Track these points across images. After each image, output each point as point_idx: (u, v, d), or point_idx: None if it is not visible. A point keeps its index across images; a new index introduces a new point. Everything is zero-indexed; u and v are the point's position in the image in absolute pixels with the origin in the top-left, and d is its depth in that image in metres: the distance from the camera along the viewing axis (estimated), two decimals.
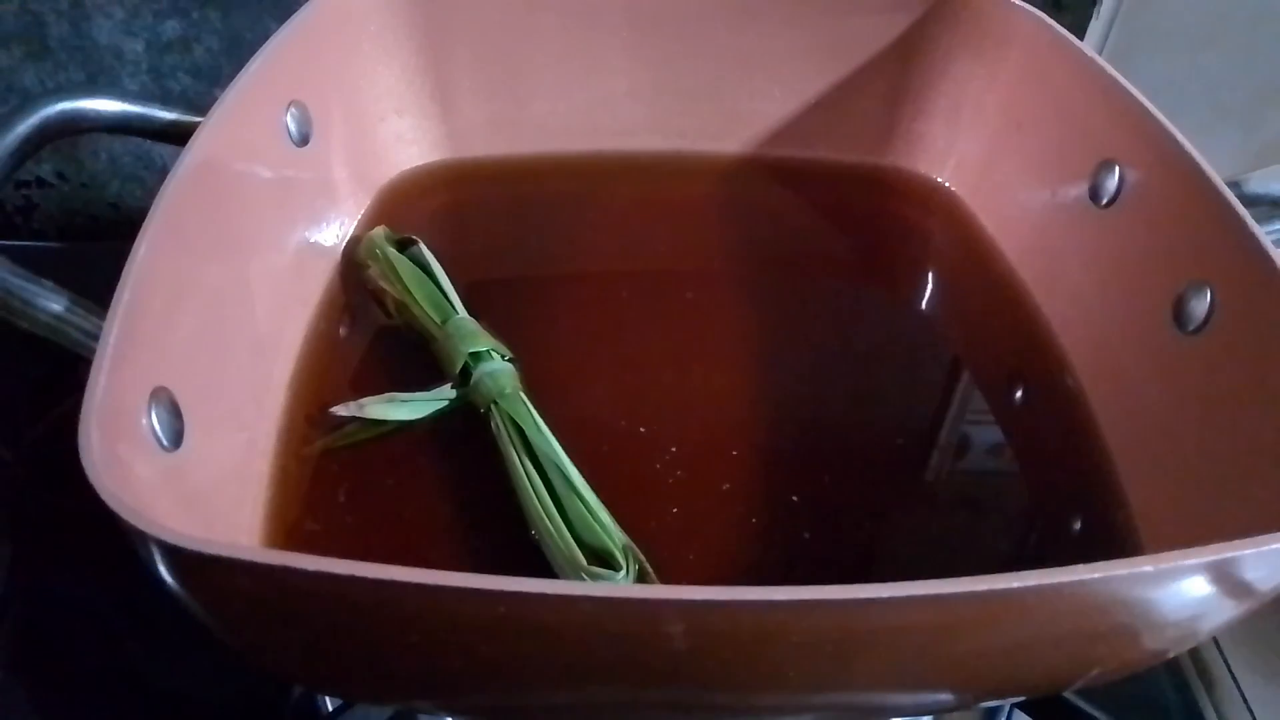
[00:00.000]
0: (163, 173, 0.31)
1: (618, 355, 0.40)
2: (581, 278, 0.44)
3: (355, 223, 0.44)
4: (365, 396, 0.35)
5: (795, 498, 0.34)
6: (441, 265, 0.40)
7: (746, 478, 0.34)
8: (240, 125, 0.35)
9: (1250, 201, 0.32)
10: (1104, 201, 0.38)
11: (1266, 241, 0.31)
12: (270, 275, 0.37)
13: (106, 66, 0.55)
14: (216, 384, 0.31)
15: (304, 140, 0.40)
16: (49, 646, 0.39)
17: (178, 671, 0.39)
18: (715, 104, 0.48)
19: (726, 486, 0.34)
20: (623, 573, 0.29)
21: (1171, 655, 0.28)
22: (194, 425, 0.28)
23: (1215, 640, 0.45)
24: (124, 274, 0.27)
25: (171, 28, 0.54)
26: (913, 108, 0.48)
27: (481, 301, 0.39)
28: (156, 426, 0.27)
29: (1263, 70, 0.54)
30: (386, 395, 0.35)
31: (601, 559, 0.30)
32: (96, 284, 0.28)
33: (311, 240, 0.41)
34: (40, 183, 0.60)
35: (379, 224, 0.42)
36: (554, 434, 0.34)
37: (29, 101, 0.34)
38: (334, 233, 0.43)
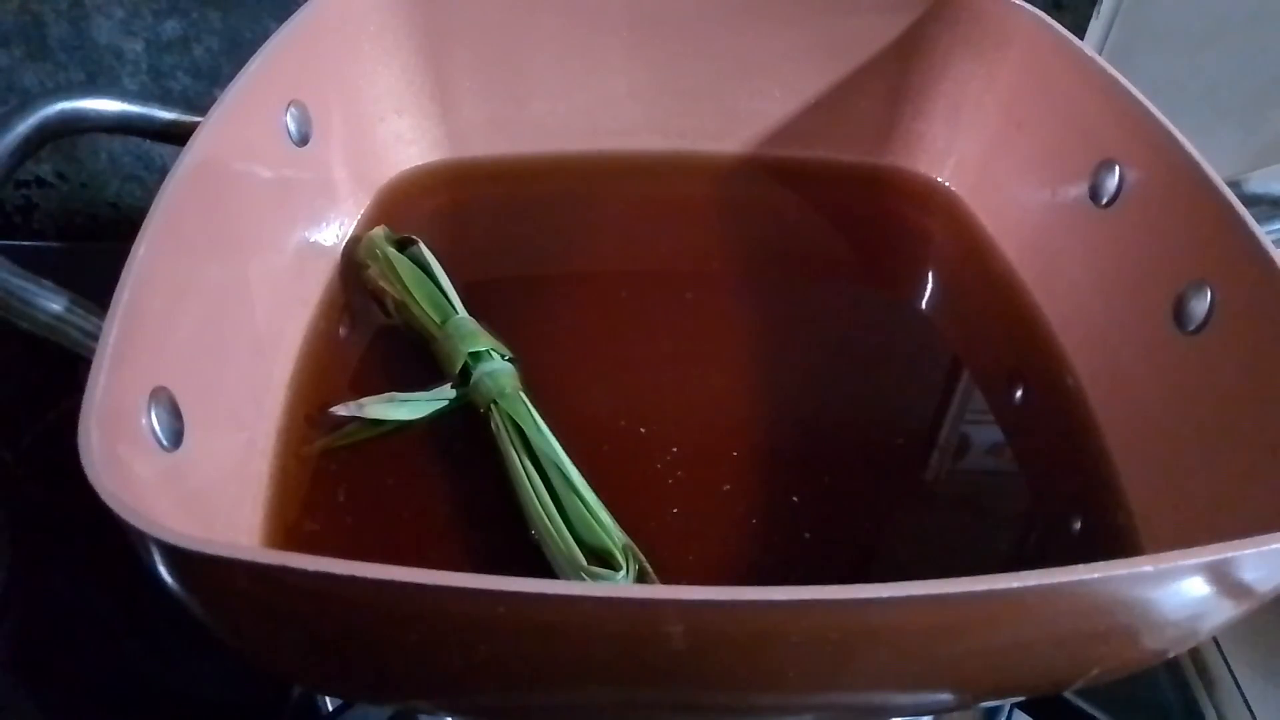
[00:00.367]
0: (163, 173, 0.31)
1: (617, 355, 0.40)
2: (581, 278, 0.44)
3: (355, 223, 0.44)
4: (365, 396, 0.35)
5: (795, 498, 0.34)
6: (441, 265, 0.40)
7: (746, 478, 0.34)
8: (240, 125, 0.35)
9: (1250, 201, 0.32)
10: (1104, 201, 0.38)
11: (1266, 241, 0.31)
12: (270, 275, 0.37)
13: (106, 66, 0.55)
14: (216, 384, 0.31)
15: (304, 140, 0.40)
16: (49, 646, 0.39)
17: (178, 671, 0.39)
18: (715, 104, 0.48)
19: (726, 487, 0.34)
20: (622, 573, 0.29)
21: (1171, 655, 0.28)
22: (194, 425, 0.28)
23: (1215, 640, 0.45)
24: (124, 274, 0.27)
25: (171, 28, 0.54)
26: (912, 107, 0.48)
27: (481, 301, 0.39)
28: (156, 426, 0.27)
29: (1263, 70, 0.54)
30: (386, 395, 0.35)
31: (601, 559, 0.30)
32: (96, 284, 0.28)
33: (311, 240, 0.41)
34: (40, 183, 0.60)
35: (379, 224, 0.42)
36: (554, 434, 0.34)
37: (29, 101, 0.34)
38: (334, 233, 0.43)
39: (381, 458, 0.35)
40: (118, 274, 0.27)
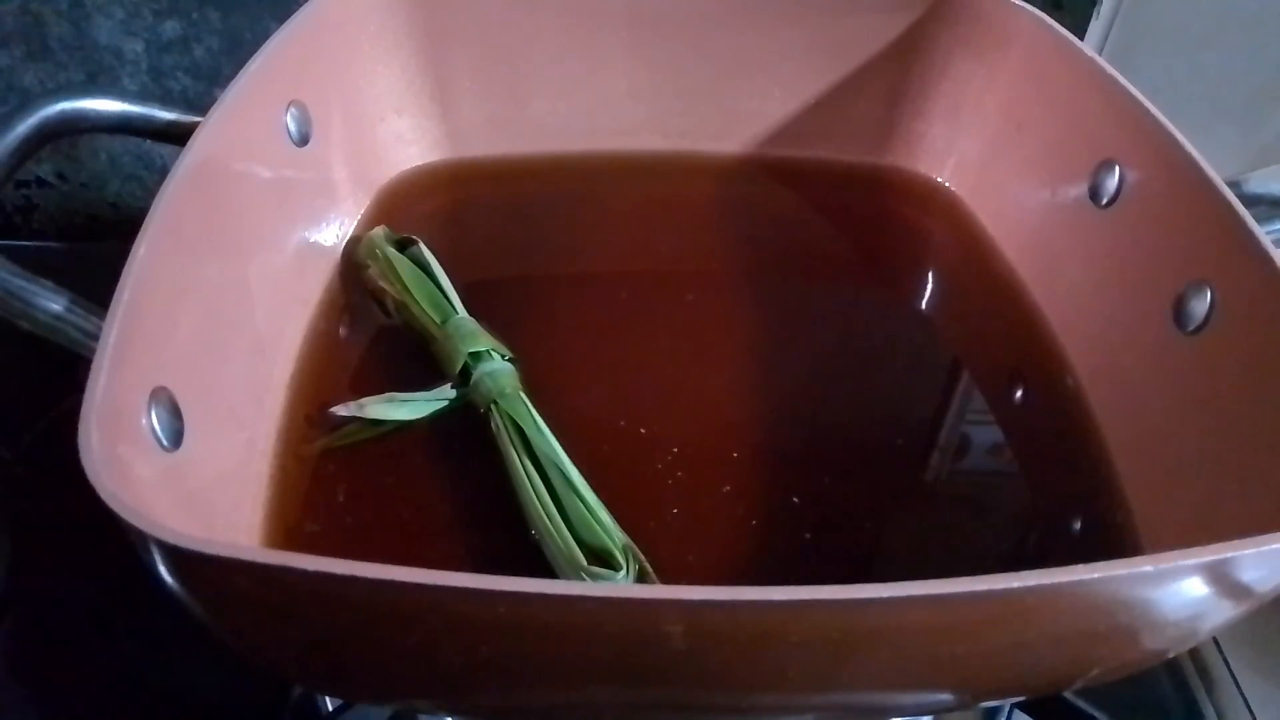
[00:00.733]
0: (163, 173, 0.31)
1: (617, 355, 0.40)
2: (581, 278, 0.44)
3: (355, 223, 0.44)
4: (365, 396, 0.35)
5: (795, 499, 0.34)
6: (441, 265, 0.40)
7: (746, 478, 0.34)
8: (240, 125, 0.35)
9: (1250, 201, 0.32)
10: (1104, 201, 0.38)
11: (1267, 241, 0.31)
12: (270, 275, 0.37)
13: (106, 66, 0.55)
14: (216, 384, 0.31)
15: (304, 140, 0.40)
16: (49, 646, 0.39)
17: (178, 671, 0.39)
18: (715, 104, 0.48)
19: (726, 488, 0.34)
20: (623, 573, 0.29)
21: (1172, 655, 0.28)
22: (194, 425, 0.28)
23: (1215, 640, 0.45)
24: (124, 274, 0.27)
25: (171, 28, 0.54)
26: (913, 108, 0.48)
27: (481, 301, 0.39)
28: (156, 426, 0.27)
29: (1263, 70, 0.54)
30: (386, 395, 0.35)
31: (601, 559, 0.30)
32: (96, 284, 0.28)
33: (311, 240, 0.41)
34: (40, 183, 0.60)
35: (379, 224, 0.42)
36: (554, 434, 0.34)
37: (29, 101, 0.34)
38: (334, 233, 0.42)
39: (381, 458, 0.35)
40: (118, 274, 0.27)
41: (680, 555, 0.32)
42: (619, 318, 0.41)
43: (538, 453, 0.33)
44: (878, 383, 0.40)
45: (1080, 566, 0.20)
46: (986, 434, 0.37)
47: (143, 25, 0.54)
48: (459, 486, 0.34)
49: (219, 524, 0.30)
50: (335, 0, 0.42)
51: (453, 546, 0.32)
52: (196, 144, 0.32)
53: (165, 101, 0.39)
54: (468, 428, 0.35)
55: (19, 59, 0.55)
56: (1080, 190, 0.39)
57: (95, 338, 0.26)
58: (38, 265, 0.31)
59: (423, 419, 0.35)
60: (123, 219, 0.61)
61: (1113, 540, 0.33)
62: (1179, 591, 0.22)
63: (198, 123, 0.33)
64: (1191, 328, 0.33)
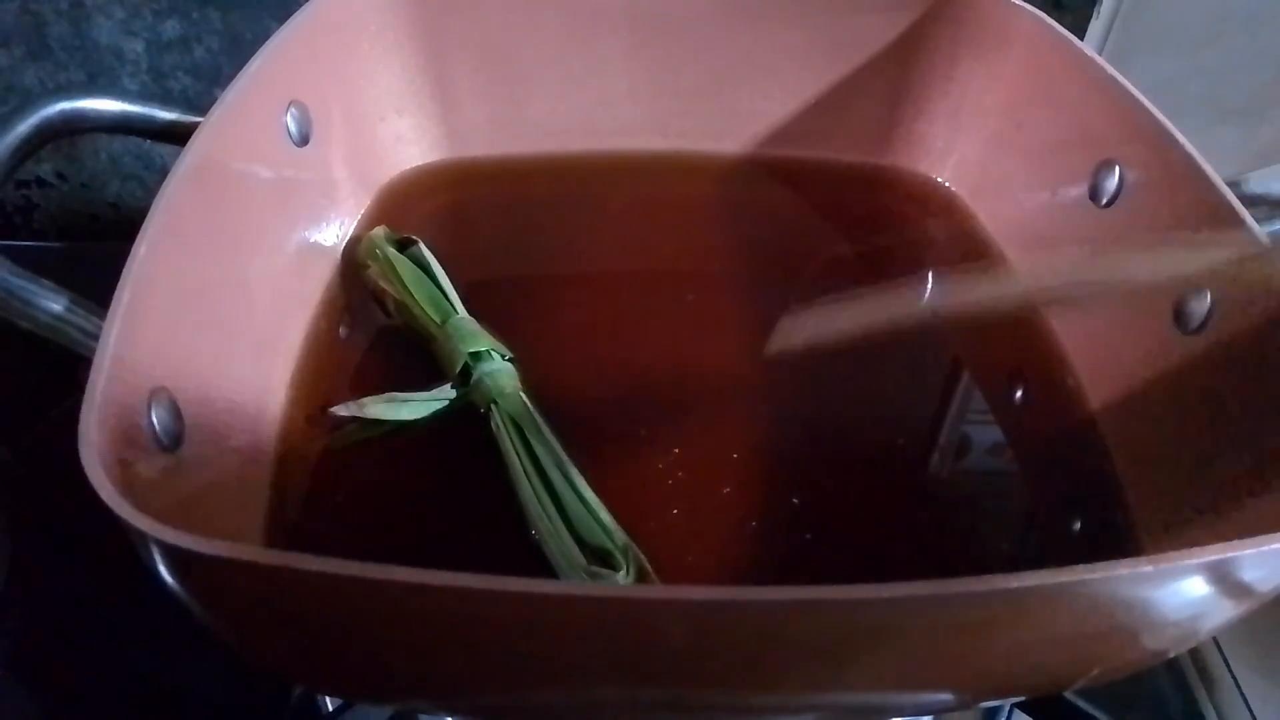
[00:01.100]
0: (163, 173, 0.31)
1: (617, 355, 0.40)
2: (581, 278, 0.44)
3: (355, 223, 0.44)
4: (365, 396, 0.35)
5: (795, 499, 0.34)
6: (441, 265, 0.40)
7: (746, 479, 0.34)
8: (240, 125, 0.35)
9: (1250, 201, 0.32)
10: (1104, 201, 0.38)
11: (1267, 241, 0.31)
12: (270, 275, 0.37)
13: (106, 66, 0.55)
14: (217, 384, 0.31)
15: (304, 140, 0.40)
16: (49, 646, 0.39)
17: (178, 671, 0.39)
18: (715, 104, 0.48)
19: (726, 488, 0.34)
20: (623, 573, 0.29)
21: (1172, 655, 0.28)
22: (194, 425, 0.28)
23: (1215, 640, 0.45)
24: (124, 274, 0.27)
25: (171, 28, 0.54)
26: (913, 108, 0.48)
27: (481, 301, 0.39)
28: (156, 426, 0.27)
29: (1263, 70, 0.54)
30: (386, 395, 0.35)
31: (602, 559, 0.30)
32: (96, 284, 0.28)
33: (311, 240, 0.41)
34: (40, 183, 0.60)
35: (379, 224, 0.42)
36: (553, 433, 0.34)
37: (29, 101, 0.34)
38: (334, 233, 0.42)
39: (381, 458, 0.35)
40: (118, 274, 0.27)
41: (680, 555, 0.32)
42: (619, 318, 0.41)
43: (538, 452, 0.33)
44: (878, 383, 0.40)
45: (1081, 567, 0.20)
46: (986, 434, 0.37)
47: (143, 25, 0.54)
48: (459, 486, 0.34)
49: (219, 524, 0.30)
50: (335, 0, 0.42)
51: (453, 546, 0.32)
52: (196, 144, 0.32)
53: (165, 101, 0.39)
54: (468, 428, 0.35)
55: (19, 59, 0.55)
56: (1080, 190, 0.39)
57: (95, 338, 0.26)
58: (38, 265, 0.31)
59: (423, 419, 0.35)
60: (123, 219, 0.61)
61: (1112, 540, 0.33)
62: (1179, 592, 0.22)
63: (198, 123, 0.33)
64: (1191, 328, 0.33)
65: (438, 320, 0.38)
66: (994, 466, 0.37)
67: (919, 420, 0.38)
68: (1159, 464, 0.33)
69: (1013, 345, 0.41)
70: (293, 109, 0.39)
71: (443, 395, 0.36)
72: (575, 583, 0.20)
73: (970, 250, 0.45)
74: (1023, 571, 0.20)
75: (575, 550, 0.30)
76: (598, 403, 0.37)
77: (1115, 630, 0.23)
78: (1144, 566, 0.21)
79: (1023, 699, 0.36)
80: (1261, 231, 0.31)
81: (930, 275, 0.45)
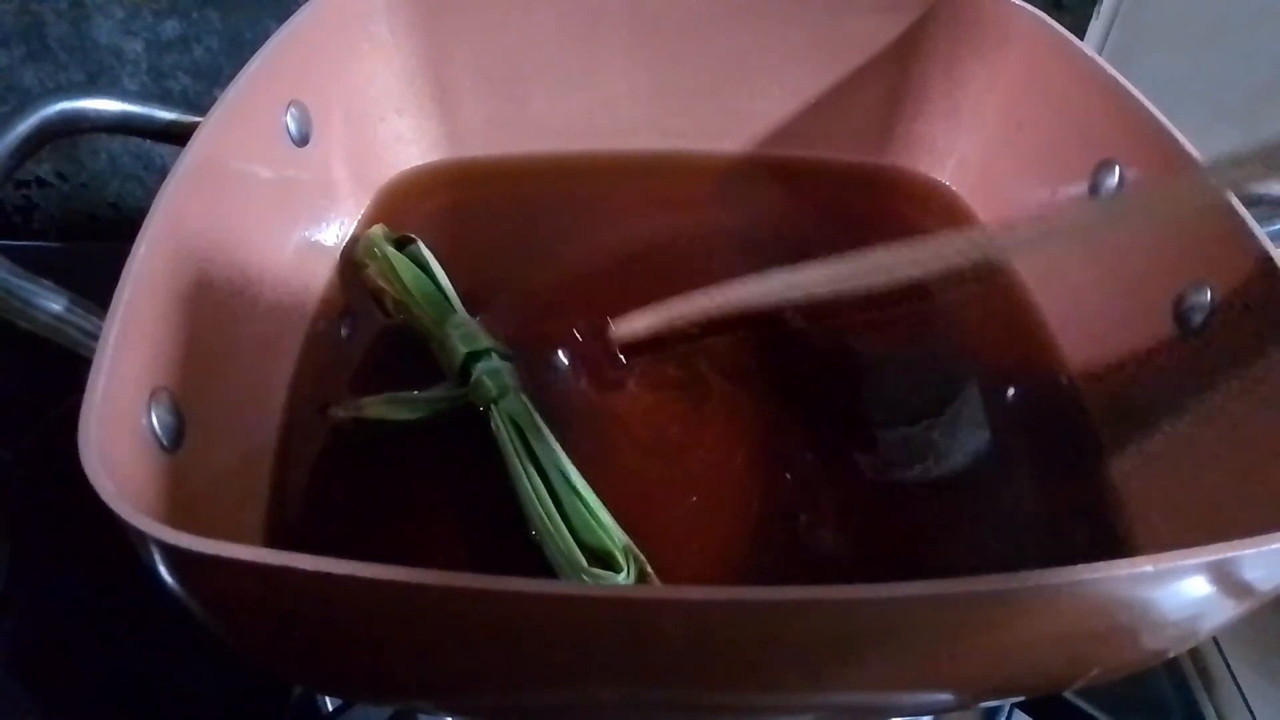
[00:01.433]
0: (163, 173, 0.31)
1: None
2: (581, 278, 0.44)
3: (355, 222, 0.44)
4: (365, 396, 0.35)
5: (795, 500, 0.34)
6: (441, 264, 0.40)
7: (747, 479, 0.34)
8: (240, 125, 0.35)
9: (1250, 202, 0.32)
10: None
11: (1267, 241, 0.31)
12: (270, 275, 0.37)
13: (106, 66, 0.55)
14: (217, 384, 0.31)
15: (304, 140, 0.40)
16: (49, 646, 0.39)
17: (178, 671, 0.39)
18: (715, 104, 0.48)
19: (727, 488, 0.34)
20: (623, 574, 0.29)
21: (1172, 655, 0.28)
22: (194, 425, 0.28)
23: (1215, 640, 0.45)
24: (124, 274, 0.27)
25: (171, 28, 0.54)
26: (913, 107, 0.48)
27: (481, 301, 0.39)
28: (156, 426, 0.27)
29: (1263, 70, 0.54)
30: (385, 396, 0.35)
31: (602, 560, 0.30)
32: (96, 284, 0.28)
33: (311, 240, 0.41)
34: (40, 183, 0.60)
35: (379, 223, 0.42)
36: (552, 433, 0.34)
37: (29, 102, 0.34)
38: (334, 232, 0.42)
39: (382, 458, 0.35)
40: (118, 274, 0.27)
41: (681, 557, 0.32)
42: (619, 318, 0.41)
43: (537, 453, 0.33)
44: (878, 383, 0.40)
45: (1081, 566, 0.20)
46: (986, 434, 0.37)
47: (143, 25, 0.54)
48: (459, 486, 0.34)
49: (220, 524, 0.30)
50: (335, 0, 0.42)
51: (453, 546, 0.32)
52: (196, 144, 0.32)
53: (165, 101, 0.39)
54: (468, 428, 0.35)
55: (19, 59, 0.55)
56: (1080, 190, 0.39)
57: (95, 338, 0.26)
58: (38, 265, 0.31)
59: (422, 419, 0.35)
60: (123, 219, 0.61)
61: (1112, 540, 0.33)
62: (1179, 591, 0.22)
63: (198, 123, 0.33)
64: (1191, 327, 0.33)
65: (437, 319, 0.38)
66: (994, 466, 0.37)
67: (919, 420, 0.38)
68: (1159, 464, 0.33)
69: (1012, 345, 0.41)
70: (293, 109, 0.39)
71: (442, 395, 0.36)
72: (575, 583, 0.20)
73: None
74: (1022, 571, 0.20)
75: (575, 551, 0.30)
76: (597, 403, 0.37)
77: (1115, 630, 0.23)
78: (1144, 566, 0.21)
79: (1022, 699, 0.36)
80: (1261, 231, 0.31)
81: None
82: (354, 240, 0.43)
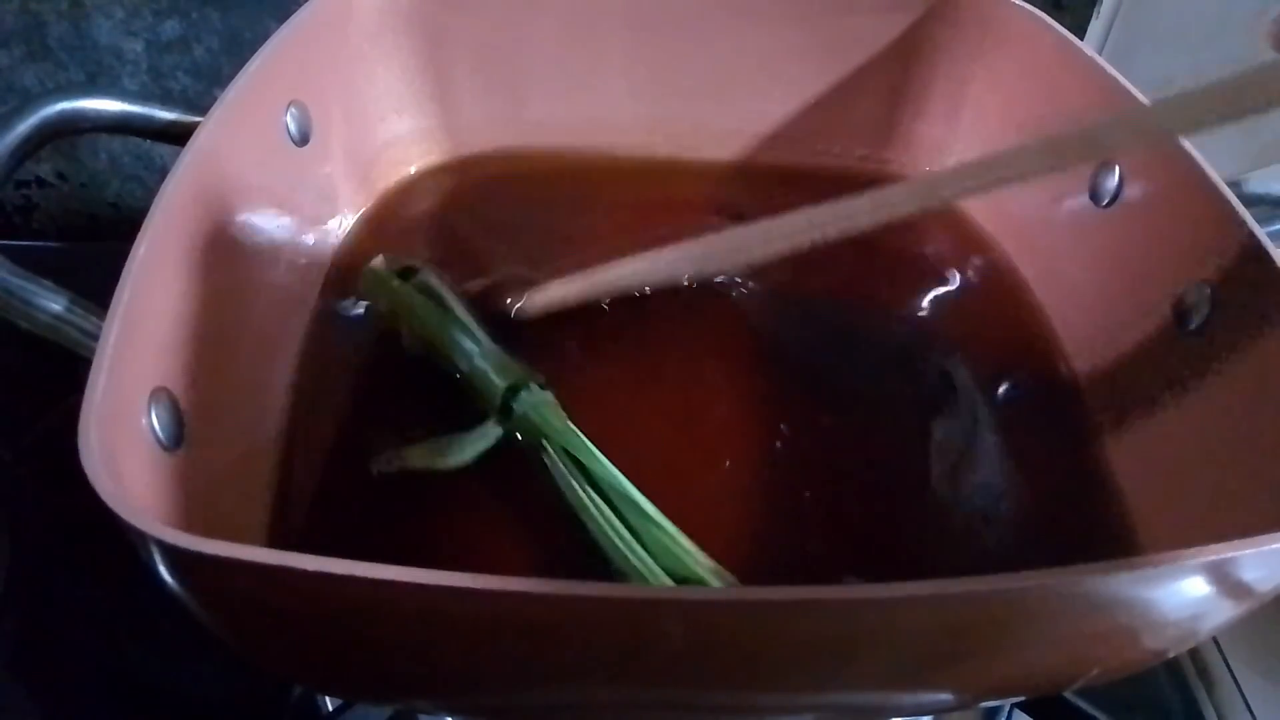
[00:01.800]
0: (163, 173, 0.31)
1: (618, 353, 0.40)
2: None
3: (355, 221, 0.44)
4: (406, 447, 0.34)
5: (796, 501, 0.34)
6: (440, 265, 0.39)
7: (749, 480, 0.34)
8: (240, 125, 0.35)
9: (1250, 202, 0.32)
10: (1104, 202, 0.38)
11: (1267, 241, 0.31)
12: (271, 275, 0.37)
13: (106, 66, 0.55)
14: (217, 384, 0.31)
15: (304, 140, 0.40)
16: (49, 646, 0.39)
17: (178, 671, 0.39)
18: (716, 104, 0.48)
19: (728, 490, 0.34)
20: None
21: (1172, 654, 0.28)
22: (194, 425, 0.28)
23: (1215, 640, 0.45)
24: (124, 274, 0.27)
25: (171, 28, 0.54)
26: (913, 108, 0.48)
27: (480, 300, 0.39)
28: (156, 427, 0.27)
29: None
30: (428, 443, 0.34)
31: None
32: (96, 284, 0.28)
33: (312, 240, 0.41)
34: (40, 183, 0.60)
35: (378, 221, 0.42)
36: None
37: (28, 101, 0.34)
38: (334, 232, 0.42)
39: (385, 459, 0.35)
40: (118, 274, 0.27)
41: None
42: (618, 318, 0.41)
43: (601, 485, 0.31)
44: (879, 383, 0.40)
45: (1081, 566, 0.20)
46: (986, 433, 0.37)
47: (143, 25, 0.54)
48: (457, 485, 0.34)
49: (220, 524, 0.30)
50: (335, 0, 0.42)
51: (452, 546, 0.32)
52: (197, 144, 0.32)
53: (165, 101, 0.39)
54: (468, 427, 0.35)
55: (19, 59, 0.55)
56: (1080, 190, 0.39)
57: (95, 338, 0.26)
58: (38, 265, 0.31)
59: (469, 461, 0.34)
60: (123, 219, 0.61)
61: (1112, 540, 0.33)
62: (1180, 591, 0.22)
63: (198, 123, 0.33)
64: (1192, 327, 0.33)
65: (462, 353, 0.36)
66: (994, 466, 0.37)
67: (919, 420, 0.38)
68: (1159, 464, 0.33)
69: (1013, 345, 0.41)
70: (293, 108, 0.39)
71: (487, 434, 0.34)
72: (574, 582, 0.20)
73: (970, 251, 0.45)
74: (1022, 571, 0.20)
75: (667, 581, 0.29)
76: (599, 404, 0.37)
77: (1115, 630, 0.23)
78: (1144, 566, 0.21)
79: (1022, 699, 0.36)
80: (1262, 231, 0.31)
81: (930, 276, 0.45)
82: (354, 237, 0.42)
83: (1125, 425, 0.35)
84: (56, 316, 0.30)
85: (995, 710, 0.40)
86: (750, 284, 0.43)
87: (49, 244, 0.62)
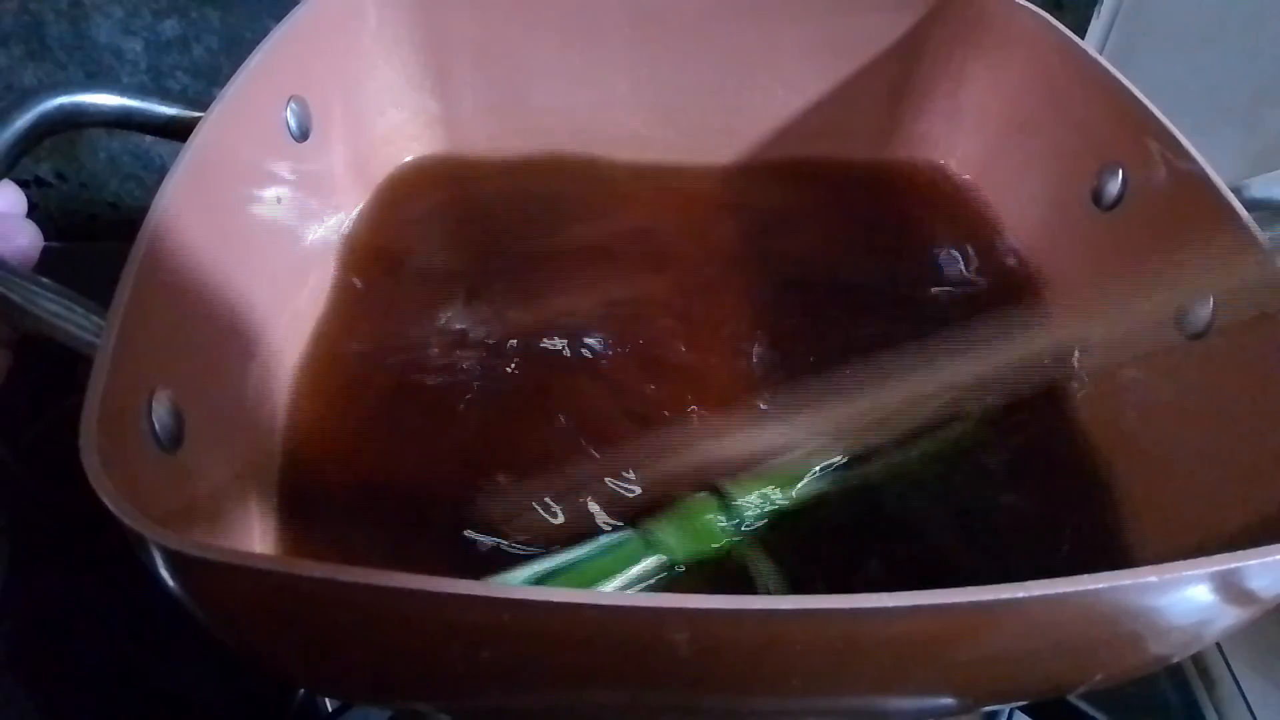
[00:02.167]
0: (162, 171, 0.30)
1: (618, 355, 0.40)
2: (582, 275, 0.44)
3: (355, 217, 0.44)
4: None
5: (800, 505, 0.34)
6: (440, 260, 0.39)
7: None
8: (241, 122, 0.35)
9: (1252, 206, 0.32)
10: (1107, 205, 0.38)
11: (1269, 245, 0.31)
12: (271, 273, 0.37)
13: (105, 65, 0.55)
14: (218, 385, 0.31)
15: (304, 136, 0.40)
16: (49, 646, 0.39)
17: (178, 672, 0.39)
18: (718, 102, 0.48)
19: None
20: None
21: (1175, 660, 0.28)
22: (195, 426, 0.28)
23: (1216, 641, 0.45)
24: (124, 274, 0.27)
25: (170, 27, 0.54)
26: (915, 108, 0.48)
27: (480, 299, 0.39)
28: (157, 427, 0.27)
29: (1263, 70, 0.54)
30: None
31: None
32: (96, 284, 0.28)
33: (312, 237, 0.41)
34: (40, 182, 0.60)
35: (378, 216, 0.42)
36: (550, 434, 0.33)
37: (27, 96, 0.34)
38: (334, 228, 0.42)
39: (383, 457, 0.35)
40: (118, 274, 0.27)
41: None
42: (619, 317, 0.41)
43: None
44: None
45: (1085, 576, 0.20)
46: (986, 437, 0.37)
47: (142, 24, 0.54)
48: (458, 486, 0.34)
49: (220, 525, 0.30)
50: None
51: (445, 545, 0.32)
52: (197, 141, 0.32)
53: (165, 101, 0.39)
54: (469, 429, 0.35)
55: (18, 58, 0.55)
56: (1083, 193, 0.39)
57: (95, 338, 0.26)
58: (38, 265, 0.31)
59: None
60: (122, 219, 0.61)
61: (1113, 545, 0.33)
62: (1184, 600, 0.22)
63: (198, 118, 0.33)
64: (1194, 332, 0.33)
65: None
66: (994, 469, 0.37)
67: (920, 422, 0.38)
68: (1160, 468, 0.33)
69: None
70: (293, 104, 0.39)
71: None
72: (579, 590, 0.20)
73: (972, 253, 0.45)
74: (1026, 581, 0.20)
75: None
76: (599, 400, 0.37)
77: (1119, 638, 0.23)
78: (1148, 576, 0.21)
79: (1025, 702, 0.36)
80: (1264, 236, 0.31)
81: (931, 276, 0.45)
82: (354, 234, 0.42)
83: (1126, 428, 0.35)
84: (56, 316, 0.30)
85: (996, 712, 0.40)
86: (751, 281, 0.43)
87: (49, 244, 0.62)
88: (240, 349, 0.34)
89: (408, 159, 0.47)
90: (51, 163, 0.59)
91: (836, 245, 0.47)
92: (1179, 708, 0.44)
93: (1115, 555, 0.33)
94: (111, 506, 0.21)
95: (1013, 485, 0.36)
